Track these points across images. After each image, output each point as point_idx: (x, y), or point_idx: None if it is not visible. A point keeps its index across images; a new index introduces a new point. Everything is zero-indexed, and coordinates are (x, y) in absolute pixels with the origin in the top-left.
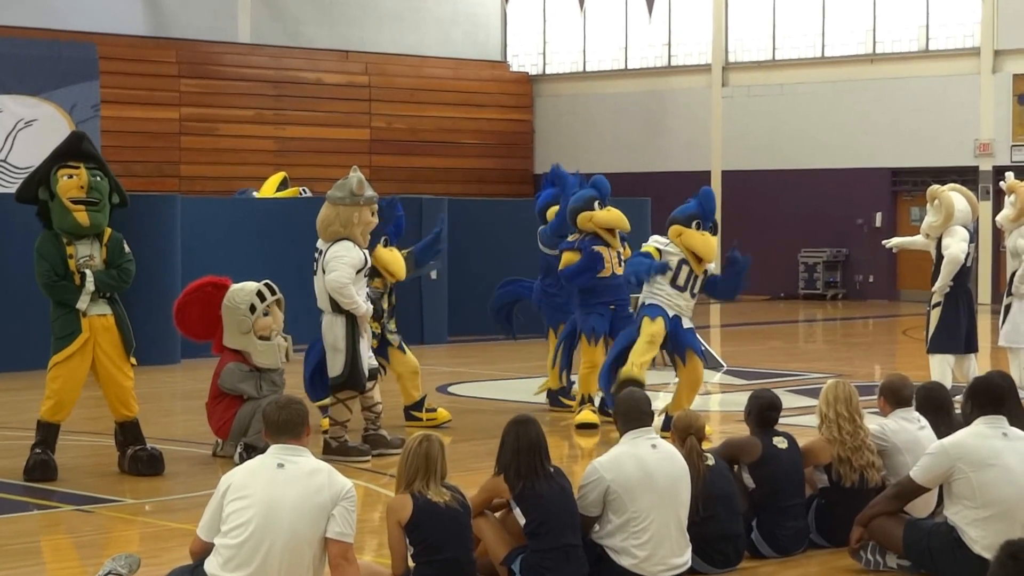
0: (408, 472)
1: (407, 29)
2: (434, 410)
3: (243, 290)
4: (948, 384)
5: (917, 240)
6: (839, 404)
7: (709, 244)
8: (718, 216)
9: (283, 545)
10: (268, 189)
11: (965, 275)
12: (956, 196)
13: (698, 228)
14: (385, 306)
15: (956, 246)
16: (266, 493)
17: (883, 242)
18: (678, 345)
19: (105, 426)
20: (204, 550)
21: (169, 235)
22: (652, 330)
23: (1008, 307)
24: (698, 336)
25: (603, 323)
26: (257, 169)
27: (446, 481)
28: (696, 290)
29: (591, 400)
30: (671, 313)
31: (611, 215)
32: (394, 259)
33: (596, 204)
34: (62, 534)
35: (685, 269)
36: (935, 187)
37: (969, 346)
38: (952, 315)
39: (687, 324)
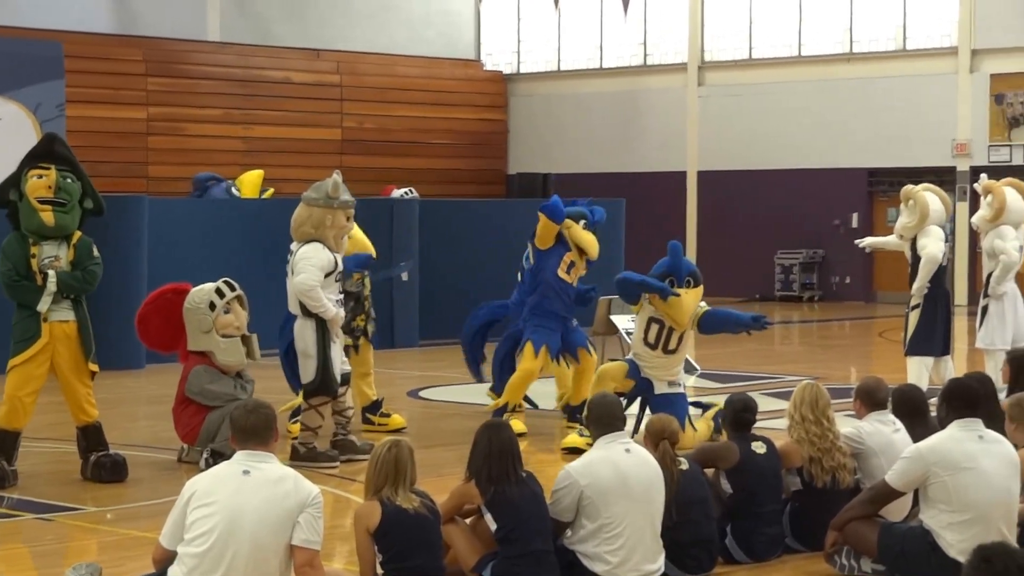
0: (377, 479)
1: (379, 27)
2: (388, 415)
3: (202, 290)
4: (924, 387)
5: (890, 240)
6: (804, 406)
7: (683, 304)
8: (693, 217)
9: (247, 553)
10: (250, 188)
11: (942, 276)
12: (931, 196)
13: (672, 285)
14: (367, 293)
15: (933, 246)
16: (230, 500)
17: (856, 242)
18: (569, 345)
19: (68, 432)
20: (166, 558)
21: (136, 236)
22: (528, 367)
23: (985, 309)
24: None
25: (555, 338)
26: (226, 170)
27: (415, 487)
28: (673, 347)
29: (517, 408)
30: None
31: (588, 237)
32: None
33: (582, 222)
34: (20, 543)
35: (655, 326)
36: (909, 187)
37: (945, 348)
38: (930, 317)
39: (664, 389)
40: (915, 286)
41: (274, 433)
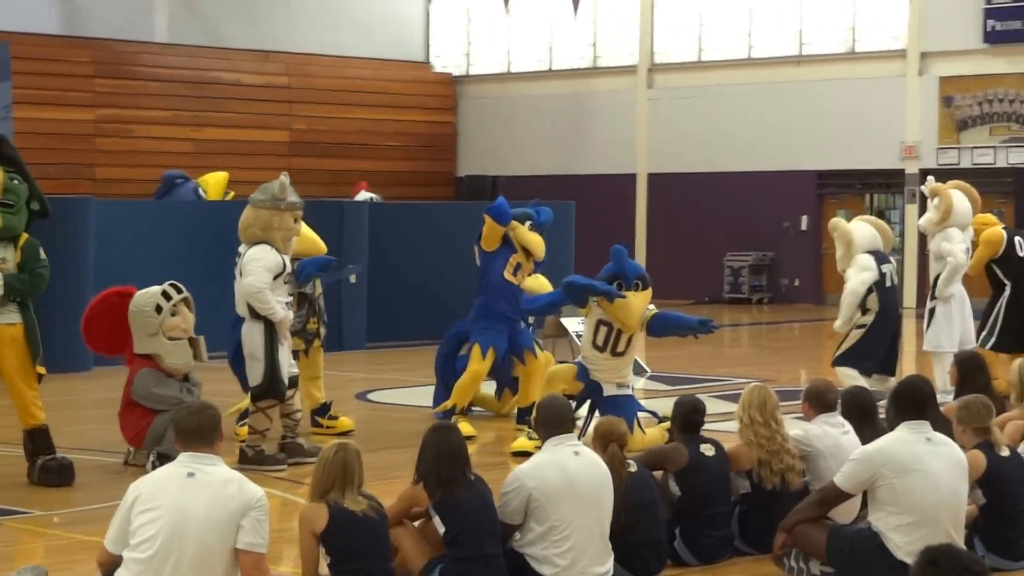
0: (324, 481)
1: (328, 29)
2: (336, 417)
3: (148, 293)
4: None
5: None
6: (753, 409)
7: (631, 305)
8: (642, 219)
9: (192, 558)
10: (215, 190)
11: (890, 296)
12: (860, 227)
13: (620, 288)
14: (317, 295)
15: (855, 278)
16: (174, 505)
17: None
18: (517, 348)
19: (14, 436)
20: (111, 562)
21: (82, 239)
22: (476, 369)
23: (932, 311)
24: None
25: (502, 339)
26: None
27: (362, 490)
28: (622, 350)
29: (465, 411)
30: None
31: (535, 238)
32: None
33: (528, 224)
34: None
35: (604, 329)
36: (936, 184)
37: (884, 368)
38: (874, 334)
39: (613, 391)
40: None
41: (219, 434)
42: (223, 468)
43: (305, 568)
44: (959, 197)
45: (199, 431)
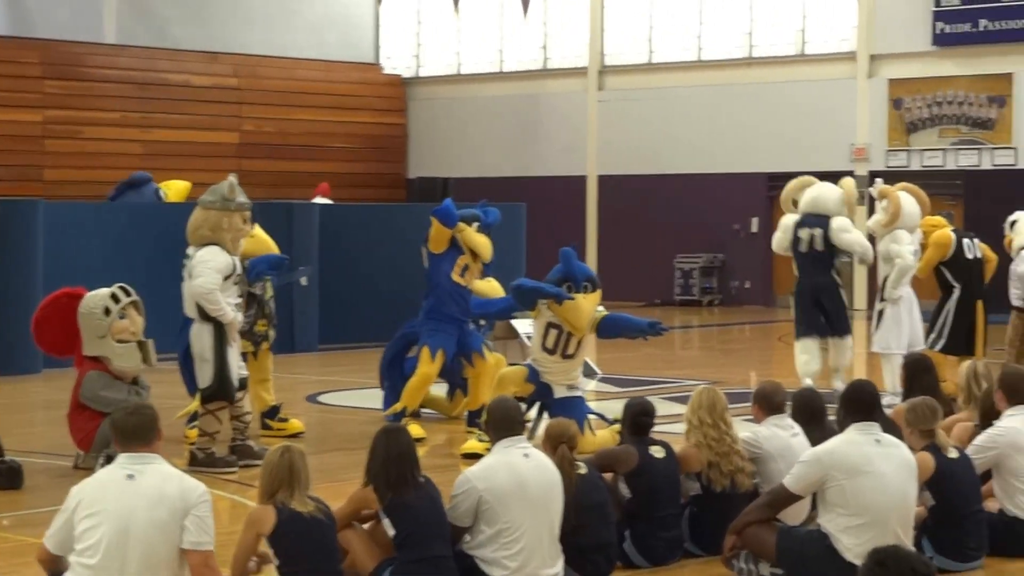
0: (271, 484)
1: (277, 30)
2: (286, 420)
3: (97, 295)
4: (815, 368)
5: None
6: (702, 410)
7: (581, 307)
8: (593, 221)
9: (139, 561)
10: (175, 198)
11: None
12: (909, 202)
13: (569, 290)
14: (268, 298)
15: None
16: (117, 509)
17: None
18: (465, 350)
19: None
20: (50, 560)
21: (31, 241)
22: (425, 371)
23: (881, 312)
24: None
25: (450, 342)
26: (124, 173)
27: (309, 492)
28: (571, 352)
29: (415, 414)
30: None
31: (481, 240)
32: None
33: (475, 225)
34: None
35: (553, 331)
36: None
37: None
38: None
39: (563, 393)
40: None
41: (157, 433)
42: (163, 466)
43: (234, 568)
44: (907, 199)
45: (137, 431)
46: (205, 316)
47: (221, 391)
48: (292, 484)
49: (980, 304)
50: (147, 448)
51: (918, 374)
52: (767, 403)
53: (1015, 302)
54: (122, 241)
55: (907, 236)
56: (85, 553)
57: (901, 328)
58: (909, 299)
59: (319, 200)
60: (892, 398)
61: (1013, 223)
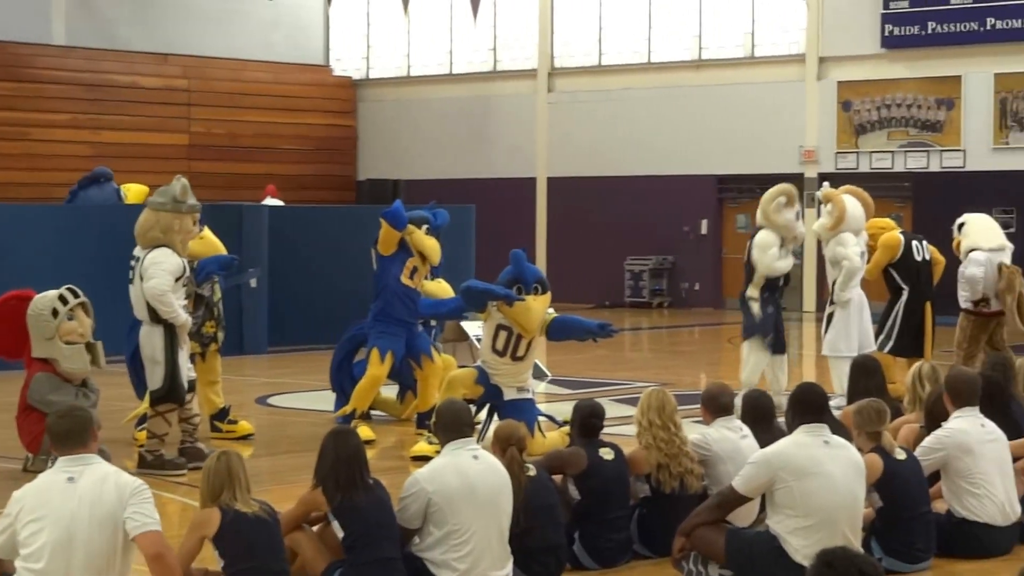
0: (212, 488)
1: (227, 32)
2: (235, 422)
3: (45, 297)
4: (757, 378)
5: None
6: (651, 412)
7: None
8: (543, 223)
9: (83, 563)
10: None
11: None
12: (854, 205)
13: (520, 292)
14: (216, 300)
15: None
16: (59, 513)
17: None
18: (414, 352)
19: None
20: None
21: None
22: (375, 373)
23: (830, 316)
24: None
25: (399, 343)
26: (73, 176)
27: (251, 495)
28: (521, 354)
29: (365, 416)
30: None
31: (430, 243)
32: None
33: (425, 228)
34: None
35: (503, 333)
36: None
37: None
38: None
39: (513, 395)
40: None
41: (92, 434)
42: (101, 465)
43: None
44: (852, 202)
45: (70, 434)
46: (155, 318)
47: (172, 394)
48: (233, 486)
49: (928, 306)
50: (84, 449)
51: (863, 376)
52: (713, 404)
53: (963, 304)
54: (70, 243)
55: (852, 239)
56: (31, 559)
57: (850, 331)
58: (859, 302)
59: (268, 201)
60: (841, 400)
61: (961, 225)
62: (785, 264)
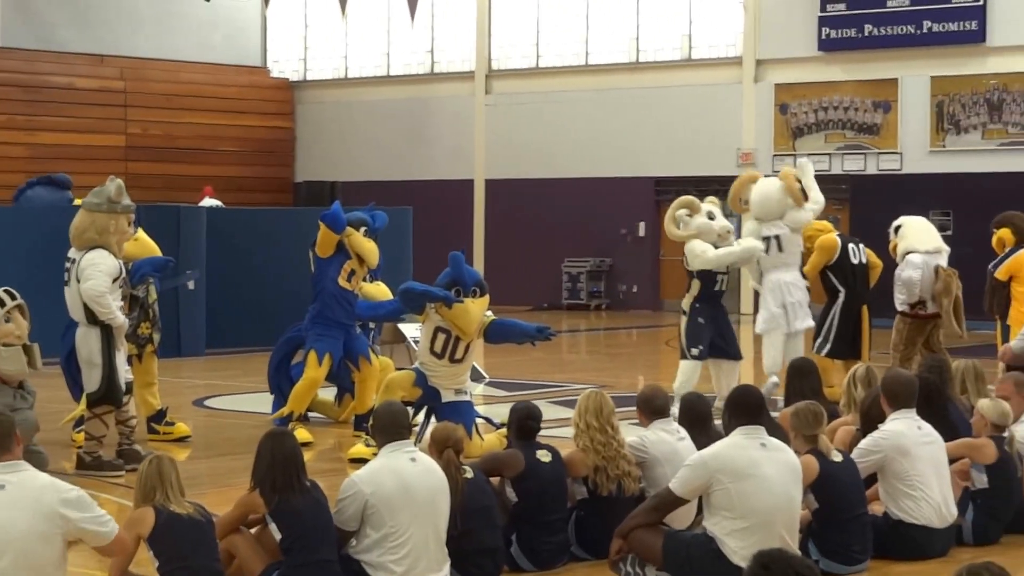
0: (145, 489)
1: (164, 33)
2: (172, 424)
3: None
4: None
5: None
6: (589, 414)
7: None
8: (481, 225)
9: (14, 568)
10: None
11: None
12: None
13: (458, 294)
14: (152, 301)
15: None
16: None
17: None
18: (351, 354)
19: None
20: None
21: None
22: (312, 375)
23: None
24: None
25: (337, 346)
26: (8, 177)
27: (185, 497)
28: (459, 356)
29: (303, 418)
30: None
31: (368, 246)
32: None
33: (363, 230)
34: None
35: (442, 335)
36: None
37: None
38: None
39: (451, 397)
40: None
41: (15, 439)
42: (31, 474)
43: (113, 570)
44: (762, 186)
45: None
46: (92, 320)
47: (109, 396)
48: (165, 487)
49: (865, 309)
50: (9, 456)
51: (799, 378)
52: (648, 407)
53: (899, 307)
54: (3, 245)
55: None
56: None
57: (770, 308)
58: (777, 283)
59: (206, 202)
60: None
61: (898, 228)
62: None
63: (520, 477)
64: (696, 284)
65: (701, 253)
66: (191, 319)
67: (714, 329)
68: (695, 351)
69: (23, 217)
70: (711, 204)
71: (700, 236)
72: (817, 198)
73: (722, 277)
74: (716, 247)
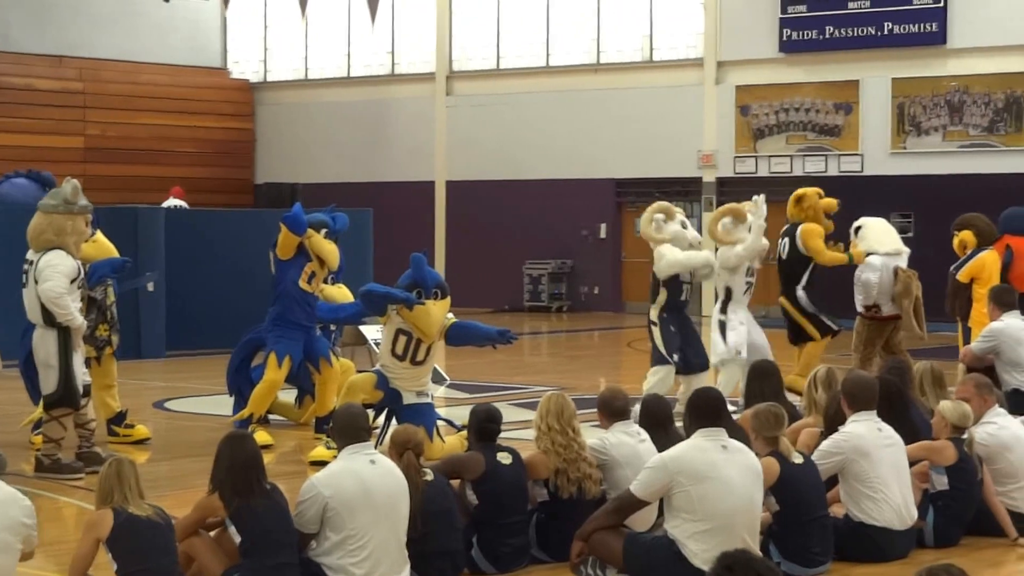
0: (104, 492)
1: (123, 34)
2: (132, 426)
3: None
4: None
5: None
6: (550, 417)
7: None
8: (442, 227)
9: None
10: None
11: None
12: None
13: (420, 296)
14: (110, 303)
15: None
16: None
17: None
18: (312, 356)
19: None
20: None
21: None
22: (272, 377)
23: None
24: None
25: (297, 348)
26: None
27: (144, 499)
28: (421, 358)
29: (263, 420)
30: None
31: (329, 248)
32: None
33: (324, 232)
34: None
35: (403, 338)
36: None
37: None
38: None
39: (412, 400)
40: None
41: None
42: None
43: (72, 571)
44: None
45: None
46: (49, 321)
47: (66, 398)
48: (124, 489)
49: (783, 299)
50: None
51: (760, 379)
52: (607, 409)
53: (859, 308)
54: None
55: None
56: None
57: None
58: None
59: (172, 202)
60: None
61: (858, 229)
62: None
63: (480, 479)
64: (663, 294)
65: (670, 253)
66: (151, 321)
67: (682, 339)
68: (676, 356)
69: None
70: (679, 214)
71: (673, 242)
72: (749, 241)
73: (686, 287)
74: None
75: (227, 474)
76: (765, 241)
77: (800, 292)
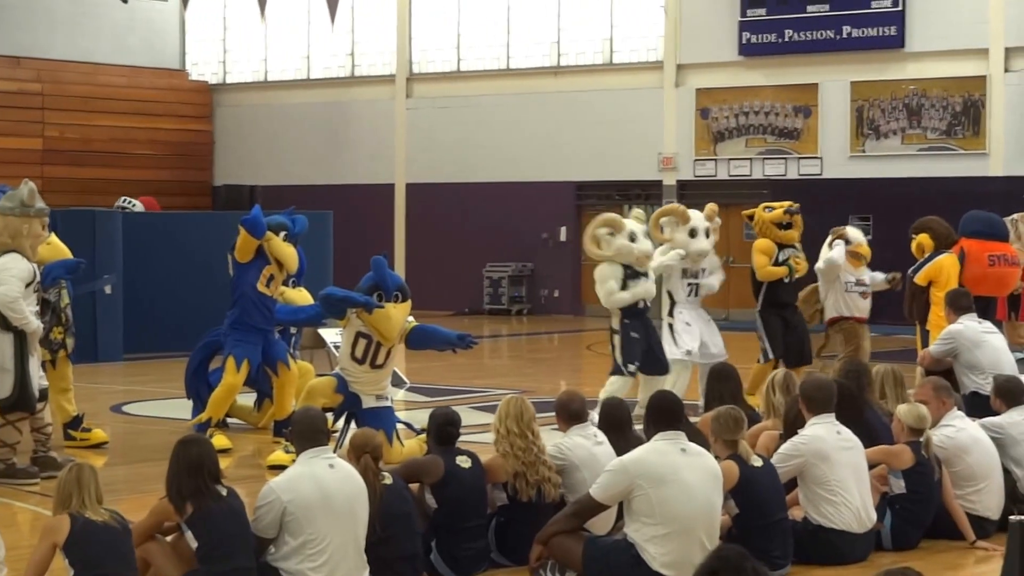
0: (62, 496)
1: (81, 35)
2: (89, 430)
3: None
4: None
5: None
6: (509, 420)
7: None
8: (401, 229)
9: None
10: None
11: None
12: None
13: (380, 299)
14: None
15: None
16: None
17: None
18: (270, 359)
19: None
20: None
21: None
22: (231, 381)
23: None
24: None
25: (256, 351)
26: None
27: (103, 505)
28: (381, 362)
29: (223, 424)
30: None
31: (287, 251)
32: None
33: (283, 234)
34: None
35: (363, 341)
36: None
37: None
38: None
39: (372, 403)
40: None
41: None
42: None
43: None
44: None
45: None
46: (4, 325)
47: (21, 402)
48: (82, 494)
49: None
50: None
51: (719, 382)
52: (564, 412)
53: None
54: None
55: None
56: None
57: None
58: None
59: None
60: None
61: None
62: (643, 288)
63: (440, 483)
64: None
65: (607, 293)
66: (108, 324)
67: (645, 343)
68: (631, 367)
69: None
70: (636, 220)
71: (618, 258)
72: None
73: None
74: (633, 271)
75: (175, 478)
76: (702, 244)
77: (758, 311)
